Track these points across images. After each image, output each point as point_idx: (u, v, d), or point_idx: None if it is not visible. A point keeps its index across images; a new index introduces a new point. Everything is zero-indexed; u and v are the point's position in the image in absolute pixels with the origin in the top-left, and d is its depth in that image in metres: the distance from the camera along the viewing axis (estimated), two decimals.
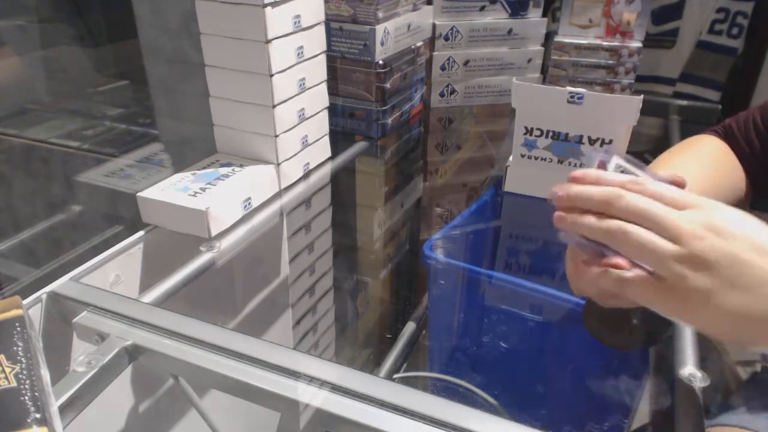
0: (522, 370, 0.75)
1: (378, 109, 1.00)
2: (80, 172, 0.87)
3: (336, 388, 0.47)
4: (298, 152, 0.84)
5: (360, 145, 1.02)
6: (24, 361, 0.40)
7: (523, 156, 0.85)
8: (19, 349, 0.40)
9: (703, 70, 1.24)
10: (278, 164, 0.80)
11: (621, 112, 0.76)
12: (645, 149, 1.09)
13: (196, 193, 0.71)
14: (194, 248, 0.68)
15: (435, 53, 1.14)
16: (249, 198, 0.75)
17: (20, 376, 0.39)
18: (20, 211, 0.91)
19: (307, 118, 0.84)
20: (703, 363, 0.51)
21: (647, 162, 0.59)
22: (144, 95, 1.06)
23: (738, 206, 0.41)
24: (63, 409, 0.46)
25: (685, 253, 0.37)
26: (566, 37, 1.10)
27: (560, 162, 0.84)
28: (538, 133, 0.83)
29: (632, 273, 0.39)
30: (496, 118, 1.22)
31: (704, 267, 0.36)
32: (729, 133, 0.67)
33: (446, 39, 1.14)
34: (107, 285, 0.66)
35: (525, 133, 0.83)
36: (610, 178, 0.42)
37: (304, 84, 0.81)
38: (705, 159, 0.65)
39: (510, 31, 1.15)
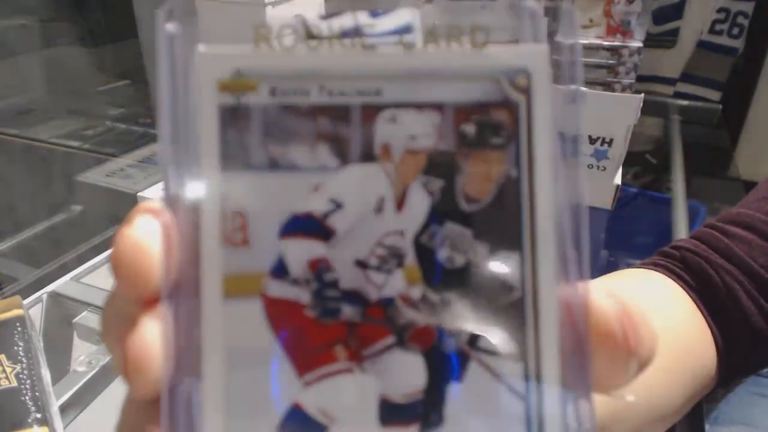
0: None
1: None
2: (81, 172, 0.87)
3: None
4: None
5: None
6: (25, 361, 0.40)
7: None
8: (20, 349, 0.40)
9: (704, 70, 1.24)
10: None
11: (621, 111, 0.76)
12: (645, 149, 1.09)
13: None
14: None
15: None
16: None
17: (21, 375, 0.39)
18: (21, 210, 0.91)
19: None
20: None
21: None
22: (144, 95, 1.06)
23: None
24: (64, 409, 0.46)
25: None
26: None
27: None
28: None
29: None
30: None
31: None
32: (692, 265, 0.37)
33: None
34: (108, 285, 0.66)
35: None
36: None
37: None
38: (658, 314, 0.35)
39: None
